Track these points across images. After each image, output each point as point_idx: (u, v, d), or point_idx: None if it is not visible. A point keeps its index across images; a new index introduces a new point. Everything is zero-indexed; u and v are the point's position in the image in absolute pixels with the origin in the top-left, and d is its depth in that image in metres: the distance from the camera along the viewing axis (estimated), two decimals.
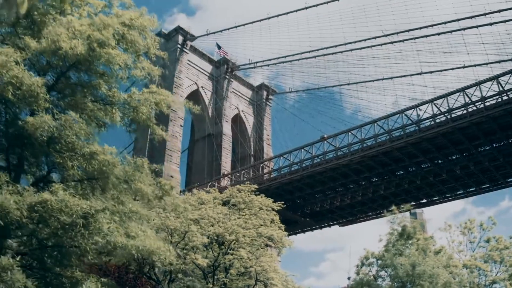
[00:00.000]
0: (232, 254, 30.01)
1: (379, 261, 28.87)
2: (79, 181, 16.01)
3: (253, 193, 34.16)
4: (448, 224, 37.40)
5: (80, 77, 16.80)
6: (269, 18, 66.92)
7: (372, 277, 28.11)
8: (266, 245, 35.11)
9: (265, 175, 63.78)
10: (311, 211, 66.29)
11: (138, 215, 15.55)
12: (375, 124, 53.47)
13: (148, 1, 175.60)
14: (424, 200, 61.12)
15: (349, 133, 55.42)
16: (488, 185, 56.90)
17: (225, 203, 33.94)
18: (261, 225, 31.71)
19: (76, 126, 15.08)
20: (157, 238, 16.46)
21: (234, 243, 30.21)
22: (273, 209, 33.62)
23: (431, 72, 60.78)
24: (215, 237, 30.12)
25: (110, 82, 17.04)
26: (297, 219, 66.25)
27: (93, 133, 16.82)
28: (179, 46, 74.57)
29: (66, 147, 15.14)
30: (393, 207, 29.67)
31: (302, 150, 59.51)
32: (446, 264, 29.88)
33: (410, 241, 28.71)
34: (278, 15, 65.84)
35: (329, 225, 70.21)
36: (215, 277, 31.09)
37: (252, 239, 30.78)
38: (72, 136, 15.00)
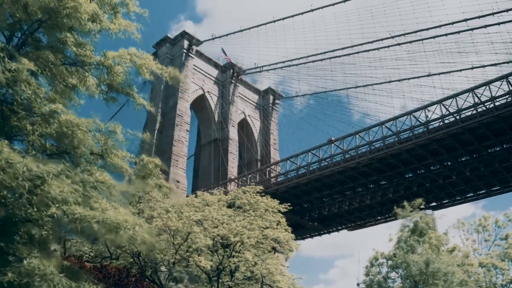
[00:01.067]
0: (237, 257, 29.26)
1: (389, 262, 27.68)
2: (47, 155, 13.34)
3: (258, 194, 33.44)
4: (461, 222, 36.00)
5: (50, 38, 14.14)
6: (274, 21, 66.60)
7: (382, 278, 26.91)
8: (274, 249, 34.40)
9: (272, 179, 63.12)
10: (319, 215, 65.48)
11: (106, 185, 13.19)
12: (383, 126, 52.77)
13: (154, 9, 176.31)
14: (434, 203, 60.06)
15: (357, 136, 54.77)
16: (498, 187, 55.87)
17: (230, 206, 33.28)
18: (267, 227, 30.94)
19: (33, 82, 12.59)
20: (129, 214, 13.68)
21: (240, 246, 29.46)
22: (279, 211, 32.86)
23: (439, 74, 60.27)
24: (220, 239, 29.40)
25: (80, 41, 14.20)
26: (305, 223, 65.47)
27: (62, 96, 14.20)
28: (184, 51, 74.40)
29: (22, 106, 12.77)
30: (405, 203, 28.51)
31: (309, 153, 58.86)
32: (461, 262, 28.45)
33: (422, 238, 27.43)
34: (283, 18, 65.45)
35: (337, 230, 69.36)
36: (220, 281, 30.34)
37: (257, 241, 30.03)
38: (28, 91, 12.43)
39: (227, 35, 72.49)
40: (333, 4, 60.43)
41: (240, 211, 32.34)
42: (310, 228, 67.35)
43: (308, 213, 65.69)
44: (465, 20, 55.60)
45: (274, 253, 34.94)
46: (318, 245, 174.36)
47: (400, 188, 57.82)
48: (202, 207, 30.91)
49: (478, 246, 41.78)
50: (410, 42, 61.34)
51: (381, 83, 65.75)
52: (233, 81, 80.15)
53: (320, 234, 70.15)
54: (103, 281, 24.27)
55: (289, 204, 35.19)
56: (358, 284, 42.56)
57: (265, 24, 67.90)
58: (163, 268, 30.17)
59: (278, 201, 33.70)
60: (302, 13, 63.46)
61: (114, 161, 14.24)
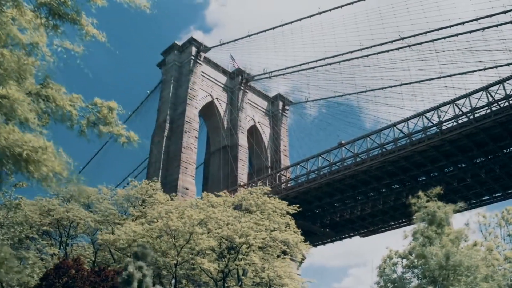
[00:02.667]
0: (243, 260, 28.11)
1: (404, 261, 25.93)
2: None
3: (266, 195, 32.36)
4: (481, 215, 33.66)
5: None
6: (282, 25, 65.95)
7: (397, 277, 25.03)
8: (284, 253, 33.24)
9: (282, 184, 62.03)
10: (331, 221, 64.11)
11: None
12: (395, 127, 51.55)
13: (164, 20, 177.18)
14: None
15: (368, 138, 53.62)
16: None
17: (236, 208, 32.22)
18: (275, 229, 29.79)
19: None
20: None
21: (246, 248, 28.31)
22: (288, 213, 31.74)
23: (450, 75, 58.96)
24: (224, 241, 28.30)
25: None
26: (316, 230, 64.13)
27: None
28: (192, 57, 73.95)
29: None
30: (420, 193, 26.81)
31: (320, 157, 57.78)
32: (484, 257, 26.17)
33: (441, 230, 24.81)
34: (291, 22, 64.72)
35: (350, 236, 67.89)
36: (226, 285, 29.16)
37: (265, 244, 28.88)
38: None
39: (235, 40, 72.04)
40: (341, 6, 59.66)
41: (246, 213, 31.24)
42: (322, 234, 65.96)
43: (320, 219, 64.40)
44: (477, 19, 54.54)
45: (284, 259, 33.79)
46: (331, 254, 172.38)
47: (413, 192, 56.10)
48: (206, 208, 29.90)
49: (501, 241, 39.31)
50: (421, 43, 60.32)
51: (391, 87, 64.66)
52: (242, 88, 79.48)
53: (332, 241, 68.69)
54: (100, 285, 23.45)
55: (298, 205, 34.10)
56: None
57: (273, 28, 67.32)
58: (165, 272, 29.16)
59: (287, 203, 32.58)
60: (310, 16, 62.71)
61: (60, 104, 11.15)
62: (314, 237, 64.46)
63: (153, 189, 35.50)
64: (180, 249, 27.75)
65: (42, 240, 33.78)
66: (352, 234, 67.38)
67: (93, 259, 31.79)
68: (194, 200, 32.22)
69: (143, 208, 32.77)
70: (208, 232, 27.86)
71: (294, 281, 30.52)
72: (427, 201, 25.97)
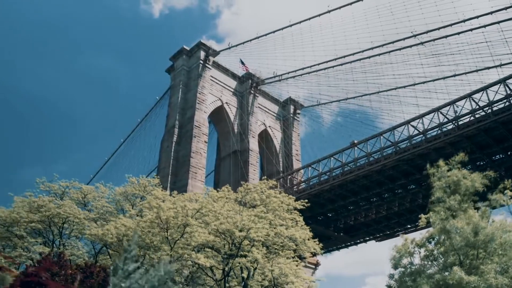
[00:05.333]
0: (245, 257, 26.03)
1: (422, 251, 22.70)
2: None
3: (271, 189, 30.44)
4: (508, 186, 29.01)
5: None
6: (291, 25, 64.58)
7: (415, 269, 21.74)
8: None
9: (294, 187, 60.22)
10: (345, 225, 62.09)
11: None
12: (409, 125, 49.61)
13: (176, 30, 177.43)
14: None
15: (381, 137, 51.68)
16: None
17: (240, 204, 30.33)
18: (281, 224, 27.76)
19: None
20: None
21: (248, 244, 26.20)
22: (295, 208, 29.80)
23: (465, 73, 56.97)
24: (224, 235, 26.27)
25: None
26: (330, 234, 62.13)
27: None
28: (201, 61, 72.94)
29: None
30: (440, 162, 23.77)
31: (332, 158, 55.91)
32: None
33: (467, 201, 20.39)
34: (300, 22, 63.33)
35: (365, 241, 65.61)
36: (227, 285, 27.13)
37: (267, 239, 26.82)
38: None
39: (243, 43, 70.86)
40: (351, 3, 58.10)
41: (249, 208, 29.29)
42: (336, 239, 63.87)
43: (333, 223, 62.40)
44: (491, 13, 52.71)
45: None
46: (348, 262, 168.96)
47: (430, 192, 54.04)
48: (203, 200, 28.02)
49: None
50: (434, 40, 58.55)
51: (404, 87, 62.82)
52: (252, 92, 78.15)
53: (347, 246, 66.52)
54: (84, 281, 21.95)
55: (307, 201, 32.19)
56: None
57: (282, 29, 65.91)
58: None
59: (294, 198, 30.69)
60: (319, 15, 61.29)
61: None
62: (328, 242, 62.36)
63: (152, 185, 33.89)
64: (174, 244, 25.85)
65: (31, 238, 32.30)
66: (367, 238, 65.10)
67: (86, 259, 30.18)
68: (193, 194, 30.39)
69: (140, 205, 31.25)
70: (206, 226, 26.01)
71: (299, 278, 28.39)
72: (449, 170, 22.41)
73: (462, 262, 19.45)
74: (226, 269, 26.72)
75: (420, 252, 21.83)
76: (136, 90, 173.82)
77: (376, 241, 65.56)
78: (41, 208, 32.50)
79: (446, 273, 18.98)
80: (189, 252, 25.26)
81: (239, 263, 26.11)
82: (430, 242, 22.02)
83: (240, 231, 25.46)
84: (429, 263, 21.18)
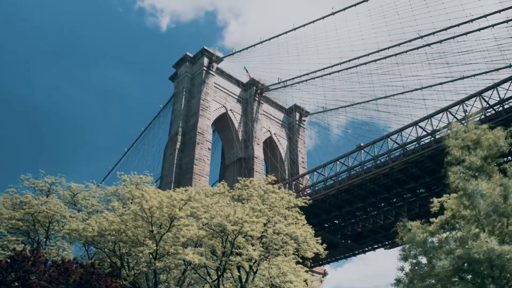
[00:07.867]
0: (240, 255, 24.29)
1: (435, 240, 19.14)
2: None
3: (269, 184, 28.80)
4: None
5: None
6: (295, 29, 63.45)
7: (427, 260, 19.16)
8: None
9: (299, 192, 58.55)
10: (352, 232, 60.15)
11: None
12: (417, 126, 48.01)
13: (183, 43, 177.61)
14: None
15: (388, 139, 50.06)
16: None
17: (237, 201, 28.75)
18: (280, 221, 26.08)
19: None
20: None
21: (244, 240, 24.37)
22: (296, 205, 28.16)
23: (474, 75, 55.56)
24: (213, 230, 24.52)
25: None
26: (338, 241, 60.21)
27: None
28: (204, 68, 72.00)
29: None
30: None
31: (337, 162, 54.29)
32: None
33: (490, 166, 17.47)
34: (304, 25, 62.19)
35: (373, 248, 63.56)
36: (222, 286, 25.38)
37: (264, 235, 25.14)
38: None
39: (247, 48, 69.78)
40: (355, 5, 56.96)
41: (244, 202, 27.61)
42: (343, 247, 61.92)
43: (340, 230, 60.52)
44: (499, 11, 51.43)
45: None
46: (359, 275, 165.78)
47: (440, 196, 52.17)
48: (192, 192, 26.41)
49: None
50: (441, 41, 57.23)
51: (411, 91, 61.50)
52: (257, 98, 76.99)
53: (354, 254, 64.51)
54: (58, 279, 20.42)
55: (311, 202, 30.62)
56: None
57: (285, 33, 64.85)
58: (145, 268, 25.40)
59: (295, 194, 29.05)
60: (323, 17, 60.17)
61: None
62: (335, 250, 60.50)
63: (144, 183, 32.33)
64: (159, 238, 24.13)
65: (11, 236, 30.72)
66: (376, 246, 63.08)
67: (74, 258, 28.58)
68: (184, 189, 28.71)
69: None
70: (197, 221, 24.39)
71: (299, 278, 26.61)
72: (465, 131, 19.52)
73: (489, 232, 16.59)
74: (220, 267, 25.01)
75: (433, 242, 19.50)
76: (146, 100, 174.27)
77: (385, 249, 63.55)
78: (24, 205, 31.14)
79: (470, 245, 16.15)
80: (176, 248, 23.53)
81: (233, 261, 24.36)
82: (443, 228, 19.80)
83: (233, 225, 23.82)
84: (443, 254, 18.41)
